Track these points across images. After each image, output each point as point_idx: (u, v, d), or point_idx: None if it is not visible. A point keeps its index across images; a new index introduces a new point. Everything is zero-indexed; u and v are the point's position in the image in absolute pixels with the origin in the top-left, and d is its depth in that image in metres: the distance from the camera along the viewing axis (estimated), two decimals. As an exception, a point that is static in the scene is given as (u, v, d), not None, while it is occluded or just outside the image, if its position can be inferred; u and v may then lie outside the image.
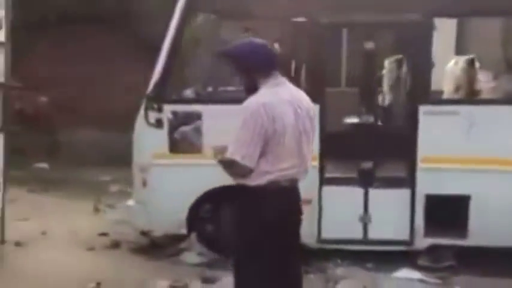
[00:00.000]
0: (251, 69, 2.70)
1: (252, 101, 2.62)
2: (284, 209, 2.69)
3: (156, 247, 5.42)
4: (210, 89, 5.42)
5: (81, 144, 10.71)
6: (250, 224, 2.65)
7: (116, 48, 11.35)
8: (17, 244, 5.28)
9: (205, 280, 4.33)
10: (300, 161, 2.73)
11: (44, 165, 9.69)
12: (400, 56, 5.69)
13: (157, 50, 4.95)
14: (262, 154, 2.60)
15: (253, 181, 2.64)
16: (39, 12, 10.65)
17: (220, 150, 2.72)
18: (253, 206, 2.65)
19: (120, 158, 10.99)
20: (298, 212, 2.78)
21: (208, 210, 5.29)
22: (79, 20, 10.65)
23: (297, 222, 2.78)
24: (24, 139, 8.94)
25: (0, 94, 4.56)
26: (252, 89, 2.71)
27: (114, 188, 8.82)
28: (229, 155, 2.61)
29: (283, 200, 2.68)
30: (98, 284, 4.16)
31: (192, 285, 4.21)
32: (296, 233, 2.80)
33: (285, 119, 2.60)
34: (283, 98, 2.65)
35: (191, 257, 4.92)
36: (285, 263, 2.72)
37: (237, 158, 2.58)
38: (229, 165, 2.64)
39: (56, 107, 11.06)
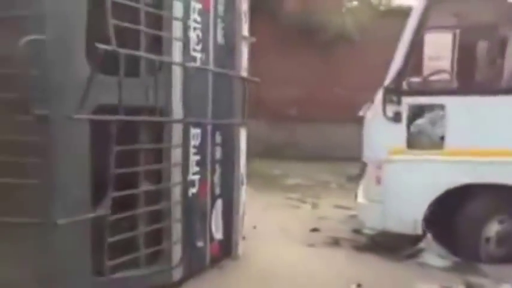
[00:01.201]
0: None
1: None
2: None
3: (379, 246, 5.21)
4: (452, 79, 5.06)
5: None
6: None
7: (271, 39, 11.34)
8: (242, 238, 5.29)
9: (471, 287, 4.00)
10: None
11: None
12: None
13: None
14: None
15: None
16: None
17: None
18: None
19: (276, 150, 11.04)
20: None
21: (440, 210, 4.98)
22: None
23: None
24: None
25: (243, 88, 4.50)
26: None
27: (291, 181, 8.79)
28: None
29: None
30: (359, 285, 3.98)
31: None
32: None
33: None
34: None
35: (433, 259, 4.62)
36: None
37: None
38: None
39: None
